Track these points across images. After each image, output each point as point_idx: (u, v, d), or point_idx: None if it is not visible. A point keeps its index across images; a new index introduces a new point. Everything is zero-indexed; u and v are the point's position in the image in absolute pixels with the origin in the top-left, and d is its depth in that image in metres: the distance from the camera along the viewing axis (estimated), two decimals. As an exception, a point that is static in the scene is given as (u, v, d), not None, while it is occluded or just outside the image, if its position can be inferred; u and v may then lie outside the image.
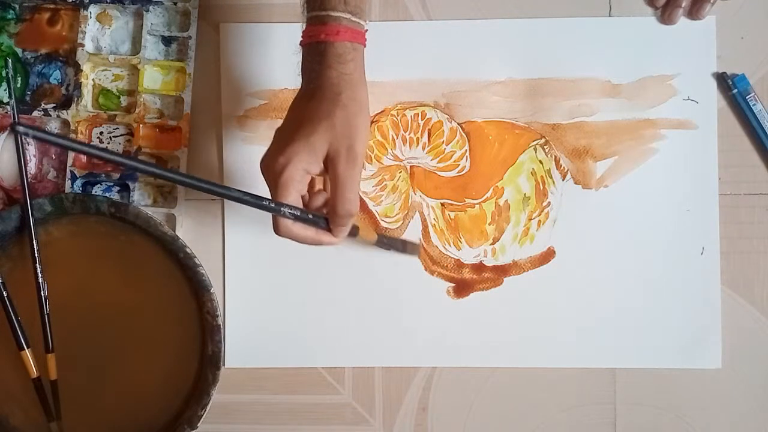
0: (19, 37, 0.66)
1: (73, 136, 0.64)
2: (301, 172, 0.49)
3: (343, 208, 0.50)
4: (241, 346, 0.64)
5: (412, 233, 0.65)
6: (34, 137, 0.46)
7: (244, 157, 0.65)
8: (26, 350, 0.60)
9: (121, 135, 0.66)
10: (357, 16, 0.51)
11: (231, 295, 0.64)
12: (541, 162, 0.65)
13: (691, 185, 0.64)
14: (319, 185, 0.54)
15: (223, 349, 0.60)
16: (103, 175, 0.65)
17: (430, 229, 0.65)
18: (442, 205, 0.65)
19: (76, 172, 0.64)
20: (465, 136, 0.65)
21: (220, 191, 0.48)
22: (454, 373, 0.64)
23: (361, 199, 0.64)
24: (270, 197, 0.50)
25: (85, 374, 0.62)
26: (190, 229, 0.65)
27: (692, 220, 0.64)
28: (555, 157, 0.65)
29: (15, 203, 0.63)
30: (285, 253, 0.64)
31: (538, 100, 0.65)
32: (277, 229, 0.51)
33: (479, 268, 0.65)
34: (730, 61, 0.64)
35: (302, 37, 0.52)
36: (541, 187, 0.65)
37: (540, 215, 0.65)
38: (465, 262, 0.65)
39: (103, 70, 0.66)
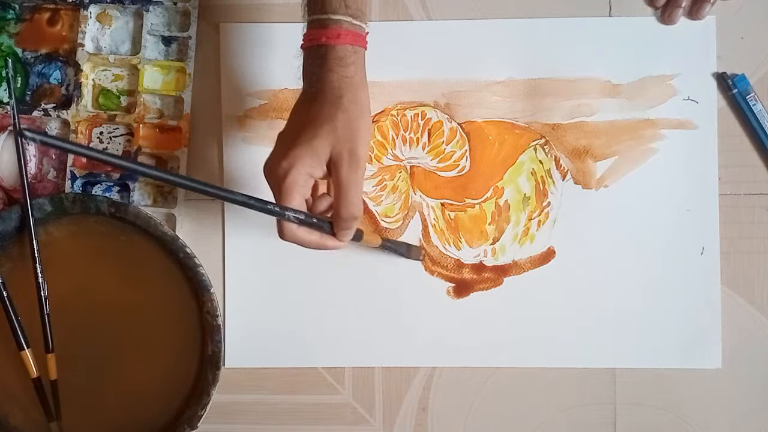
0: (19, 37, 0.66)
1: (73, 136, 0.64)
2: (305, 176, 0.49)
3: (346, 211, 0.50)
4: (241, 346, 0.64)
5: (412, 233, 0.65)
6: (42, 143, 0.46)
7: (244, 157, 0.65)
8: (26, 350, 0.60)
9: (121, 135, 0.66)
10: (358, 19, 0.51)
11: (231, 295, 0.64)
12: (541, 162, 0.65)
13: (691, 185, 0.64)
14: (322, 189, 0.54)
15: (223, 349, 0.60)
16: (103, 175, 0.65)
17: (430, 229, 0.65)
18: (442, 205, 0.65)
19: (76, 172, 0.64)
20: (465, 136, 0.65)
21: (226, 195, 0.48)
22: (454, 373, 0.64)
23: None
24: (274, 201, 0.50)
25: (85, 374, 0.62)
26: (190, 229, 0.65)
27: (692, 220, 0.64)
28: (555, 157, 0.65)
29: (15, 203, 0.63)
30: (285, 253, 0.64)
31: (538, 100, 0.65)
32: (281, 234, 0.51)
33: (479, 268, 0.65)
34: (730, 61, 0.64)
35: (303, 40, 0.52)
36: (541, 187, 0.65)
37: (540, 215, 0.65)
38: (465, 262, 0.65)
39: (103, 70, 0.66)
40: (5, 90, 0.65)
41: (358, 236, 0.55)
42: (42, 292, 0.60)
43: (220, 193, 0.48)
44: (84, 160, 0.65)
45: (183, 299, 0.61)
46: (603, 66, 0.64)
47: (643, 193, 0.64)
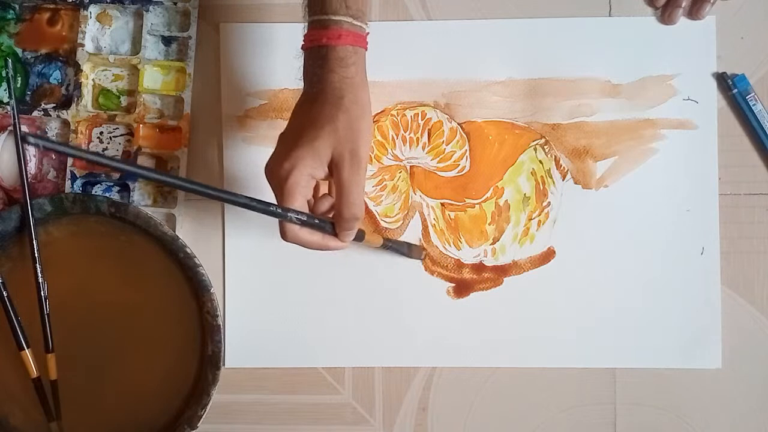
0: (19, 37, 0.66)
1: (73, 136, 0.64)
2: (307, 177, 0.49)
3: (348, 212, 0.50)
4: (241, 346, 0.64)
5: (412, 233, 0.65)
6: (45, 147, 0.47)
7: (245, 157, 0.65)
8: (26, 350, 0.60)
9: (121, 135, 0.66)
10: (358, 19, 0.51)
11: (231, 295, 0.64)
12: (541, 162, 0.65)
13: (691, 185, 0.64)
14: (324, 190, 0.54)
15: (223, 349, 0.60)
16: (103, 175, 0.65)
17: (430, 229, 0.65)
18: (442, 205, 0.65)
19: (76, 172, 0.64)
20: (465, 136, 0.65)
21: (228, 198, 0.49)
22: (454, 373, 0.64)
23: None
24: (275, 202, 0.50)
25: (85, 374, 0.62)
26: (190, 229, 0.65)
27: (692, 220, 0.64)
28: (555, 157, 0.65)
29: (15, 203, 0.63)
30: (285, 253, 0.64)
31: (538, 100, 0.65)
32: (284, 235, 0.51)
33: (479, 268, 0.65)
34: (730, 61, 0.64)
35: (304, 41, 0.52)
36: (541, 187, 0.65)
37: (540, 215, 0.65)
38: (465, 262, 0.65)
39: (103, 70, 0.66)
40: (5, 90, 0.65)
41: (359, 236, 0.55)
42: (42, 292, 0.60)
43: (223, 196, 0.48)
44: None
45: (183, 299, 0.61)
46: (603, 66, 0.64)
47: (643, 193, 0.64)
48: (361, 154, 0.49)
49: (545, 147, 0.65)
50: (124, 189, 0.65)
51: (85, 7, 0.64)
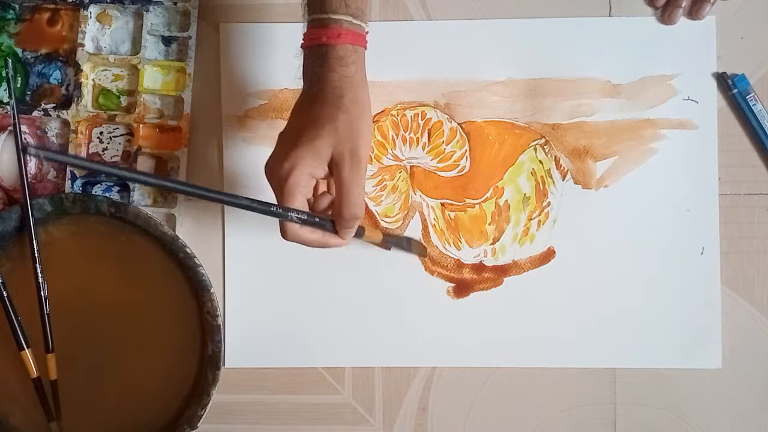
0: (19, 37, 0.66)
1: (73, 136, 0.64)
2: (307, 176, 0.49)
3: (348, 211, 0.50)
4: (241, 346, 0.64)
5: (412, 233, 0.65)
6: (46, 158, 0.47)
7: (245, 157, 0.65)
8: (26, 350, 0.60)
9: (121, 135, 0.66)
10: (358, 18, 0.51)
11: (231, 295, 0.64)
12: (541, 162, 0.65)
13: (691, 185, 0.64)
14: (322, 188, 0.54)
15: (223, 349, 0.60)
16: (103, 175, 0.65)
17: (430, 229, 0.65)
18: (442, 205, 0.65)
19: (76, 172, 0.64)
20: (465, 136, 0.65)
21: (229, 200, 0.49)
22: (454, 373, 0.64)
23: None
24: (275, 202, 0.50)
25: (85, 374, 0.62)
26: (190, 229, 0.65)
27: (692, 220, 0.64)
28: (555, 157, 0.65)
29: (15, 203, 0.63)
30: (285, 253, 0.64)
31: (538, 100, 0.65)
32: (284, 234, 0.51)
33: (479, 268, 0.65)
34: (730, 61, 0.64)
35: (303, 39, 0.52)
36: (541, 187, 0.65)
37: (540, 215, 0.65)
38: (465, 262, 0.65)
39: (103, 70, 0.66)
40: (5, 90, 0.65)
41: (360, 233, 0.55)
42: (42, 292, 0.60)
43: (223, 198, 0.49)
44: (84, 160, 0.65)
45: (183, 299, 0.61)
46: (603, 66, 0.64)
47: (643, 193, 0.64)
48: (362, 154, 0.49)
49: (545, 147, 0.65)
50: (124, 189, 0.65)
51: (85, 7, 0.64)
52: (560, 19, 0.65)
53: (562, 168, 0.65)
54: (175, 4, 0.65)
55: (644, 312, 0.64)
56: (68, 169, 0.64)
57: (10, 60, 0.64)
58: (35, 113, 0.64)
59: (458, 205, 0.65)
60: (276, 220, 0.51)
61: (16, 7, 0.65)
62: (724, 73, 0.64)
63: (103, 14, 0.66)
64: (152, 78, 0.65)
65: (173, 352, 0.62)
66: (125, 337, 0.62)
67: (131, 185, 0.64)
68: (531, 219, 0.65)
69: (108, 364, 0.62)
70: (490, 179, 0.65)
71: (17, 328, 0.60)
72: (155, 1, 0.65)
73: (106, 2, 0.65)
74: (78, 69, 0.64)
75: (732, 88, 0.64)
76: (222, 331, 0.60)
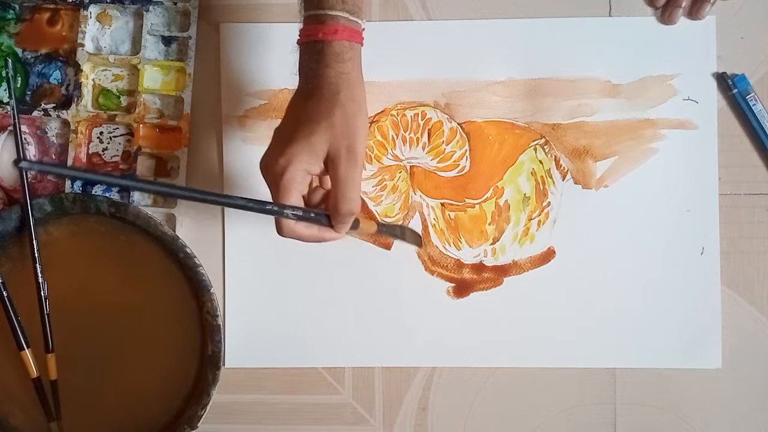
0: (19, 37, 0.66)
1: (73, 135, 0.64)
2: (302, 173, 0.49)
3: (344, 207, 0.50)
4: (241, 346, 0.64)
5: (412, 233, 0.65)
6: (41, 171, 0.47)
7: (245, 157, 0.65)
8: (26, 350, 0.60)
9: (121, 135, 0.66)
10: (354, 15, 0.51)
11: (231, 295, 0.64)
12: (541, 162, 0.65)
13: (691, 185, 0.64)
14: (315, 181, 0.54)
15: (223, 349, 0.60)
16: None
17: (430, 229, 0.65)
18: (442, 205, 0.65)
19: (76, 172, 0.64)
20: (465, 136, 0.65)
21: (223, 201, 0.49)
22: (454, 373, 0.64)
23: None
24: (270, 198, 0.50)
25: (85, 374, 0.62)
26: (190, 229, 0.65)
27: (692, 220, 0.64)
28: (555, 157, 0.65)
29: (15, 203, 0.63)
30: (285, 252, 0.64)
31: (538, 100, 0.65)
32: (280, 231, 0.51)
33: (479, 268, 0.65)
34: (730, 61, 0.64)
35: (300, 35, 0.52)
36: (541, 187, 0.65)
37: (540, 215, 0.65)
38: (465, 262, 0.65)
39: (103, 70, 0.66)
40: (5, 90, 0.65)
41: (355, 225, 0.54)
42: (42, 292, 0.60)
43: (217, 199, 0.49)
44: (84, 159, 0.65)
45: (183, 299, 0.61)
46: (603, 66, 0.64)
47: (643, 193, 0.64)
48: (358, 150, 0.49)
49: (545, 147, 0.65)
50: (124, 189, 0.65)
51: (85, 7, 0.64)
52: (560, 19, 0.65)
53: (562, 168, 0.65)
54: (175, 4, 0.65)
55: (644, 312, 0.64)
56: (68, 169, 0.64)
57: (10, 60, 0.64)
58: (35, 113, 0.64)
59: (458, 205, 0.65)
60: (274, 219, 0.51)
61: (16, 7, 0.65)
62: (724, 73, 0.64)
63: (103, 14, 0.66)
64: (152, 78, 0.65)
65: (173, 352, 0.62)
66: (125, 337, 0.62)
67: (131, 185, 0.64)
68: (531, 219, 0.65)
69: (108, 364, 0.62)
70: (490, 179, 0.65)
71: (17, 328, 0.60)
72: (155, 1, 0.65)
73: (106, 2, 0.65)
74: (78, 69, 0.64)
75: (732, 88, 0.64)
76: (222, 331, 0.60)
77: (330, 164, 0.50)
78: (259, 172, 0.51)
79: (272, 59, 0.65)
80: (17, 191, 0.64)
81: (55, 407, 0.61)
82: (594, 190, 0.65)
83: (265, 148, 0.51)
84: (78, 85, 0.64)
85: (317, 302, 0.64)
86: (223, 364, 0.61)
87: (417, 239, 0.63)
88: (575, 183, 0.65)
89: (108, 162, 0.65)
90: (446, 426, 0.64)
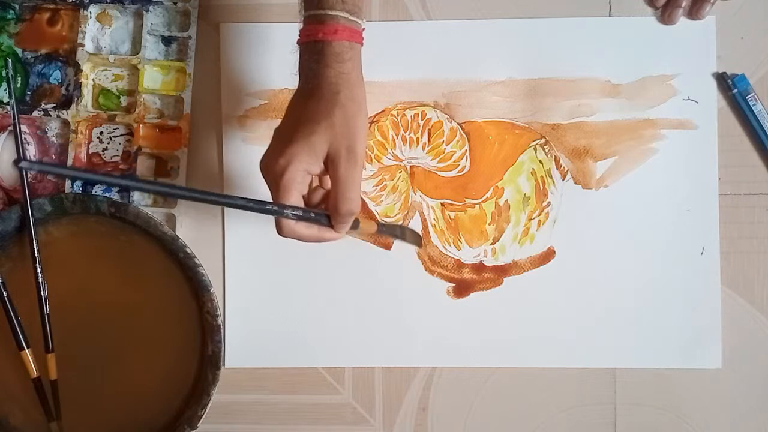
0: (19, 37, 0.66)
1: (73, 135, 0.64)
2: (302, 173, 0.49)
3: (344, 207, 0.50)
4: (241, 346, 0.64)
5: (412, 233, 0.65)
6: (41, 171, 0.47)
7: (245, 157, 0.65)
8: (26, 350, 0.60)
9: (121, 135, 0.66)
10: (354, 15, 0.51)
11: (231, 295, 0.64)
12: (541, 162, 0.65)
13: (691, 185, 0.64)
14: (315, 181, 0.54)
15: (223, 349, 0.60)
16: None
17: (430, 229, 0.65)
18: (442, 205, 0.65)
19: (76, 172, 0.64)
20: (465, 136, 0.65)
21: (223, 201, 0.49)
22: (454, 373, 0.64)
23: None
24: (271, 198, 0.50)
25: (85, 374, 0.62)
26: (190, 229, 0.65)
27: (692, 220, 0.64)
28: (555, 157, 0.65)
29: (15, 203, 0.63)
30: (285, 253, 0.64)
31: (538, 100, 0.65)
32: (280, 231, 0.50)
33: (479, 268, 0.65)
34: (730, 61, 0.64)
35: (300, 35, 0.52)
36: (541, 187, 0.65)
37: (540, 215, 0.65)
38: (465, 262, 0.65)
39: (103, 70, 0.66)
40: (5, 90, 0.65)
41: (354, 225, 0.54)
42: (42, 292, 0.60)
43: (217, 199, 0.49)
44: (84, 159, 0.65)
45: (183, 299, 0.61)
46: (603, 66, 0.64)
47: (643, 193, 0.64)
48: (358, 150, 0.49)
49: (545, 147, 0.65)
50: (124, 189, 0.65)
51: (85, 7, 0.64)
52: (560, 19, 0.65)
53: (562, 168, 0.65)
54: (175, 4, 0.65)
55: (644, 312, 0.64)
56: (68, 169, 0.64)
57: (10, 60, 0.64)
58: (35, 113, 0.64)
59: (458, 205, 0.65)
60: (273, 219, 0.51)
61: (16, 7, 0.65)
62: (724, 73, 0.64)
63: (103, 14, 0.66)
64: (152, 78, 0.65)
65: (173, 352, 0.62)
66: (125, 337, 0.62)
67: (131, 185, 0.64)
68: (531, 219, 0.65)
69: (108, 364, 0.62)
70: (490, 179, 0.65)
71: (17, 328, 0.60)
72: (155, 1, 0.65)
73: (106, 2, 0.65)
74: (78, 69, 0.64)
75: (732, 88, 0.64)
76: (222, 331, 0.60)
77: (330, 164, 0.50)
78: (259, 172, 0.51)
79: (272, 59, 0.65)
80: (17, 191, 0.64)
81: (55, 407, 0.61)
82: (594, 190, 0.65)
83: (265, 148, 0.51)
84: (78, 85, 0.64)
85: (317, 302, 0.64)
86: (223, 364, 0.61)
87: (417, 239, 0.63)
88: (575, 183, 0.65)
89: (108, 162, 0.65)
90: (446, 426, 0.64)
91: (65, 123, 0.64)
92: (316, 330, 0.64)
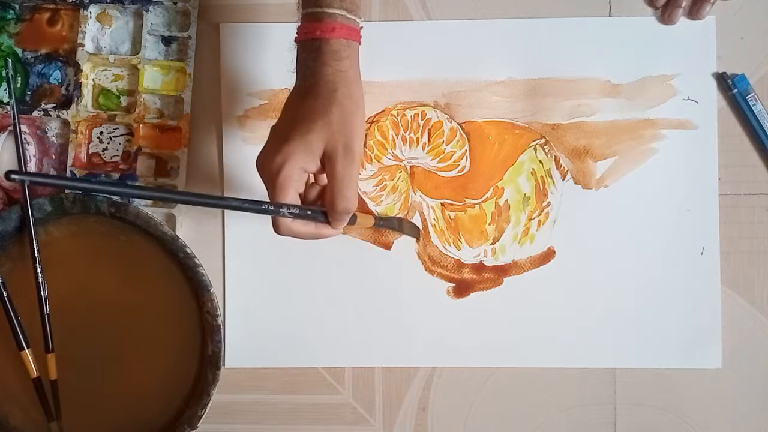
0: (19, 37, 0.66)
1: (73, 135, 0.64)
2: (299, 171, 0.49)
3: (341, 205, 0.50)
4: (241, 346, 0.64)
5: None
6: (32, 183, 0.46)
7: (244, 156, 0.65)
8: (26, 350, 0.60)
9: (121, 135, 0.66)
10: (352, 13, 0.51)
11: (231, 295, 0.64)
12: (541, 162, 0.65)
13: (691, 185, 0.64)
14: (311, 178, 0.54)
15: (223, 349, 0.60)
16: (103, 175, 0.65)
17: (430, 229, 0.65)
18: (442, 205, 0.65)
19: (76, 171, 0.64)
20: (465, 136, 0.65)
21: (219, 203, 0.49)
22: (454, 373, 0.64)
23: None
24: (267, 196, 0.50)
25: (85, 374, 0.62)
26: (190, 229, 0.65)
27: (692, 220, 0.64)
28: (555, 157, 0.65)
29: (15, 203, 0.63)
30: (285, 253, 0.64)
31: (538, 100, 0.65)
32: (277, 229, 0.50)
33: (479, 268, 0.65)
34: (730, 61, 0.64)
35: (297, 33, 0.52)
36: (541, 187, 0.65)
37: (540, 215, 0.65)
38: (465, 262, 0.65)
39: (103, 70, 0.66)
40: (5, 90, 0.65)
41: (352, 220, 0.54)
42: (42, 292, 0.60)
43: (213, 202, 0.49)
44: (84, 159, 0.65)
45: (183, 299, 0.61)
46: (603, 66, 0.64)
47: (643, 193, 0.64)
48: (355, 148, 0.49)
49: (545, 147, 0.65)
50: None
51: (85, 7, 0.64)
52: (560, 19, 0.65)
53: (562, 168, 0.65)
54: (175, 4, 0.65)
55: (644, 312, 0.64)
56: (68, 169, 0.64)
57: (10, 60, 0.64)
58: (35, 113, 0.64)
59: (458, 205, 0.65)
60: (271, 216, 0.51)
61: (16, 7, 0.65)
62: (724, 73, 0.64)
63: (103, 14, 0.66)
64: (152, 78, 0.65)
65: (173, 352, 0.62)
66: (125, 337, 0.62)
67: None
68: (531, 219, 0.65)
69: (108, 364, 0.62)
70: (490, 179, 0.65)
71: (17, 328, 0.60)
72: (155, 1, 0.65)
73: (106, 2, 0.65)
74: (78, 69, 0.64)
75: (732, 88, 0.64)
76: (222, 331, 0.60)
77: (327, 162, 0.49)
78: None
79: (272, 59, 0.65)
80: (17, 191, 0.64)
81: (55, 407, 0.61)
82: (594, 190, 0.65)
83: (266, 148, 0.51)
84: (78, 85, 0.64)
85: (317, 302, 0.64)
86: (223, 364, 0.61)
87: (415, 231, 0.63)
88: (575, 183, 0.65)
89: (108, 162, 0.65)
90: (446, 426, 0.64)
91: (65, 123, 0.64)
92: (316, 330, 0.64)
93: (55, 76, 0.66)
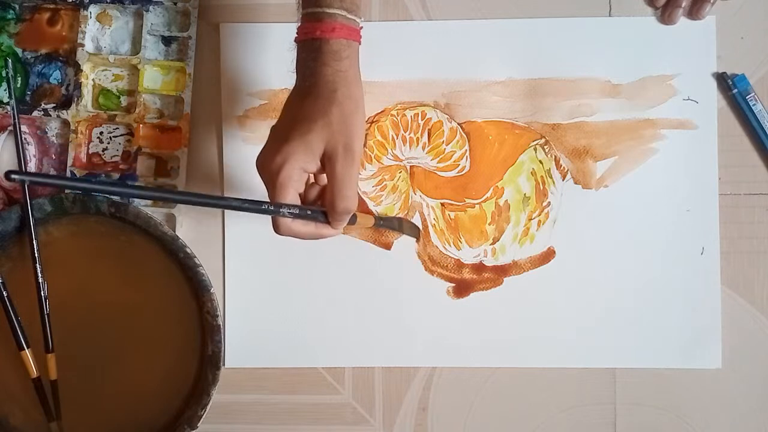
0: (19, 37, 0.66)
1: (73, 135, 0.64)
2: (299, 171, 0.49)
3: (341, 205, 0.50)
4: (241, 346, 0.64)
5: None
6: (32, 183, 0.46)
7: (245, 156, 0.65)
8: (26, 350, 0.60)
9: (121, 135, 0.66)
10: (352, 13, 0.51)
11: (231, 295, 0.64)
12: (541, 162, 0.65)
13: (691, 185, 0.64)
14: (311, 178, 0.54)
15: (223, 349, 0.60)
16: (103, 175, 0.65)
17: (430, 229, 0.65)
18: (442, 205, 0.65)
19: (76, 171, 0.64)
20: (465, 136, 0.65)
21: (219, 203, 0.49)
22: (454, 373, 0.64)
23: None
24: (267, 197, 0.50)
25: (85, 374, 0.62)
26: (190, 229, 0.65)
27: (692, 220, 0.64)
28: (555, 157, 0.65)
29: (15, 203, 0.63)
30: (285, 253, 0.64)
31: (538, 100, 0.65)
32: (277, 229, 0.50)
33: (479, 268, 0.65)
34: (730, 61, 0.64)
35: (297, 33, 0.52)
36: (541, 187, 0.65)
37: (540, 215, 0.65)
38: (465, 262, 0.65)
39: (103, 70, 0.66)
40: (5, 90, 0.65)
41: (352, 220, 0.54)
42: (42, 292, 0.60)
43: (213, 202, 0.49)
44: (84, 159, 0.65)
45: (183, 299, 0.61)
46: (603, 66, 0.64)
47: (643, 193, 0.64)
48: (355, 149, 0.49)
49: (545, 147, 0.65)
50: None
51: (85, 7, 0.64)
52: (560, 19, 0.65)
53: (562, 168, 0.65)
54: (175, 4, 0.65)
55: (644, 312, 0.64)
56: (68, 169, 0.64)
57: (10, 60, 0.64)
58: (35, 113, 0.64)
59: (458, 205, 0.65)
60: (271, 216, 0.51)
61: (16, 7, 0.65)
62: (724, 73, 0.64)
63: (103, 14, 0.66)
64: (152, 78, 0.65)
65: (173, 352, 0.62)
66: (125, 337, 0.62)
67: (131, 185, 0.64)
68: (531, 219, 0.65)
69: (108, 364, 0.62)
70: (490, 179, 0.65)
71: (17, 328, 0.60)
72: (155, 1, 0.65)
73: (106, 2, 0.65)
74: (78, 69, 0.64)
75: (732, 88, 0.64)
76: (222, 331, 0.60)
77: (327, 162, 0.49)
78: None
79: (272, 59, 0.65)
80: (17, 191, 0.64)
81: (55, 407, 0.61)
82: (594, 190, 0.65)
83: (266, 148, 0.51)
84: (78, 85, 0.64)
85: (317, 302, 0.64)
86: (223, 364, 0.61)
87: (415, 231, 0.64)
88: (575, 183, 0.65)
89: (108, 162, 0.65)
90: (446, 426, 0.64)
91: (65, 123, 0.64)
92: (316, 330, 0.64)
93: (55, 76, 0.66)
